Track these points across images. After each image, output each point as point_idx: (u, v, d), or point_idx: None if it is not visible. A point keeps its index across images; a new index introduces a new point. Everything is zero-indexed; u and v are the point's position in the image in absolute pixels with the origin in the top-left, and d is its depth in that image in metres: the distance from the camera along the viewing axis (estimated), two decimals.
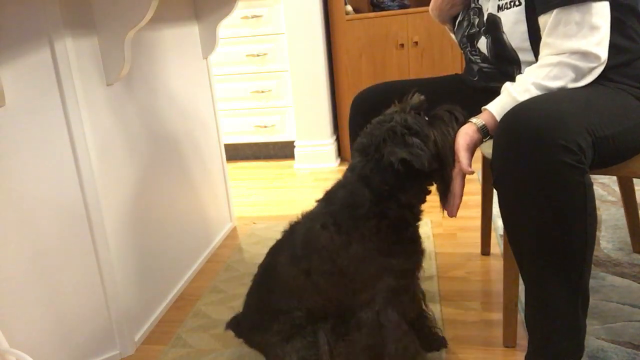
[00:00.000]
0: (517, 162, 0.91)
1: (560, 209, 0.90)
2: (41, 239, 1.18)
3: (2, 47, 1.08)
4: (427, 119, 1.03)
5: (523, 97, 0.99)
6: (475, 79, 1.29)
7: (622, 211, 1.80)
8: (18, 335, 1.15)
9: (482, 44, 1.21)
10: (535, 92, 1.00)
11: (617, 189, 1.99)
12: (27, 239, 1.16)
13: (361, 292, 1.05)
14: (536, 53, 1.10)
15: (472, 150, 1.04)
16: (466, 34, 1.28)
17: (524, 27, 1.10)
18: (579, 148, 0.88)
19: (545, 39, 1.02)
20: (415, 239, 1.08)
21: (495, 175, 0.98)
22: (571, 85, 1.00)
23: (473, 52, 1.26)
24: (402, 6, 2.83)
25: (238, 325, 1.26)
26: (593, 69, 0.99)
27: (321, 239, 1.05)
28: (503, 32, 1.15)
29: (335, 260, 1.04)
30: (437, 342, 1.22)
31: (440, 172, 1.03)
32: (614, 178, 1.97)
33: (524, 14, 1.09)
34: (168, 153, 1.61)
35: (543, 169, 0.88)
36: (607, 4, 0.98)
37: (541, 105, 0.92)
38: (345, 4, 2.77)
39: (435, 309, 1.40)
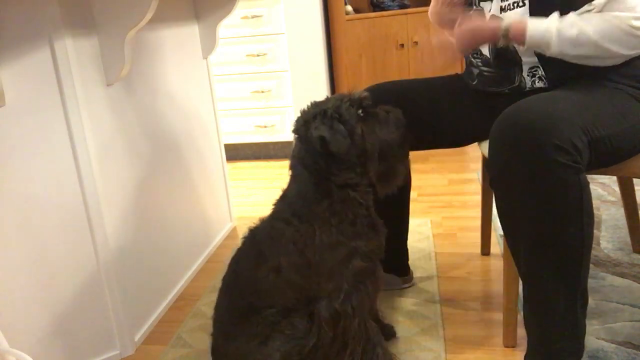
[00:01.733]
0: (512, 162, 0.91)
1: (556, 209, 0.90)
2: (41, 239, 1.18)
3: (2, 47, 1.08)
4: (361, 114, 1.04)
5: (565, 29, 0.99)
6: (474, 82, 1.29)
7: (622, 211, 1.80)
8: (18, 335, 1.15)
9: (484, 45, 1.21)
10: (574, 34, 0.98)
11: (617, 189, 1.99)
12: (27, 239, 1.16)
13: (328, 280, 1.05)
14: (538, 54, 1.10)
15: (477, 35, 1.06)
16: None
17: None
18: (574, 148, 0.88)
19: (602, 8, 0.99)
20: (374, 223, 1.10)
21: (491, 175, 0.98)
22: (610, 48, 0.99)
23: (475, 55, 1.26)
24: (402, 6, 2.83)
25: (214, 351, 1.19)
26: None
27: (286, 233, 1.05)
28: None
29: (303, 251, 1.04)
30: (388, 331, 1.27)
31: (364, 163, 1.04)
32: (614, 178, 1.97)
33: (528, 15, 1.09)
34: (168, 153, 1.61)
35: (538, 168, 0.88)
36: None
37: (536, 106, 0.93)
38: (345, 4, 2.77)
39: (435, 309, 1.40)
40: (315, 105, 1.07)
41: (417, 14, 2.68)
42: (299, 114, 1.08)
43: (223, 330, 1.15)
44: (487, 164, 0.98)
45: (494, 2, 1.17)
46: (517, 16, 1.08)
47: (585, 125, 0.92)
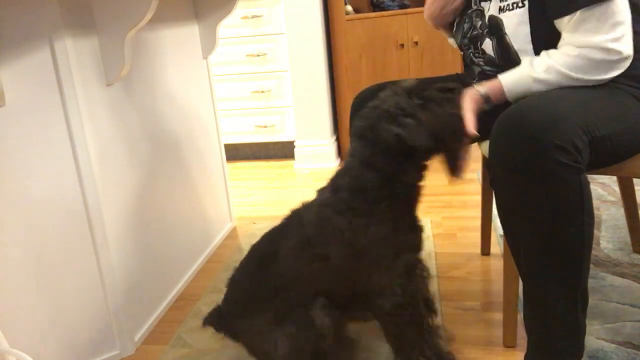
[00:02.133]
0: (513, 162, 0.91)
1: (556, 208, 0.90)
2: (41, 239, 1.18)
3: (2, 47, 1.08)
4: (419, 101, 1.05)
5: (538, 74, 1.02)
6: (475, 80, 1.29)
7: (622, 211, 1.80)
8: (18, 335, 1.15)
9: (488, 45, 1.21)
10: (552, 77, 1.01)
11: (617, 189, 1.99)
12: (27, 239, 1.16)
13: (380, 273, 1.06)
14: (537, 54, 1.10)
15: (475, 113, 1.06)
16: (468, 35, 1.27)
17: (527, 29, 1.10)
18: (575, 148, 0.88)
19: (567, 36, 1.02)
20: (416, 218, 1.12)
21: (491, 175, 0.98)
22: (590, 78, 1.00)
23: (476, 54, 1.26)
24: (402, 6, 2.83)
25: (219, 318, 1.20)
26: (615, 62, 0.99)
27: (337, 224, 1.05)
28: (505, 33, 1.14)
29: (353, 243, 1.04)
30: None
31: (438, 149, 1.06)
32: (614, 178, 1.97)
33: (527, 16, 1.09)
34: (168, 153, 1.61)
35: (538, 168, 0.88)
36: (626, 0, 0.98)
37: (537, 105, 0.93)
38: (345, 4, 2.77)
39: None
40: (374, 107, 1.06)
41: (417, 14, 2.68)
42: (359, 121, 1.07)
43: (240, 304, 1.15)
44: (488, 163, 0.98)
45: (492, 2, 1.17)
46: (489, 82, 1.09)
47: (586, 125, 0.92)
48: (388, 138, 1.00)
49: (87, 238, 1.25)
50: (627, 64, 1.00)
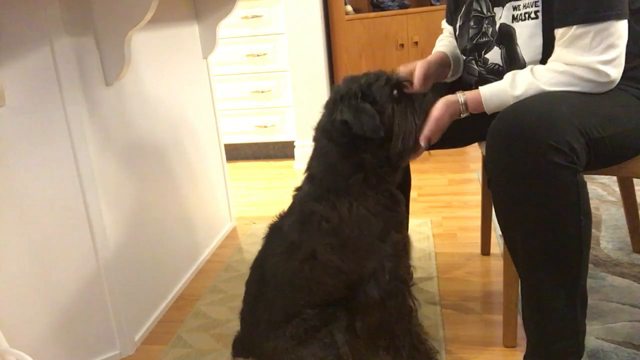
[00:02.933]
0: (509, 164, 0.91)
1: (552, 210, 0.90)
2: (41, 239, 1.18)
3: (2, 47, 1.08)
4: (395, 94, 1.04)
5: (517, 92, 1.01)
6: (472, 86, 1.27)
7: (622, 211, 1.80)
8: (18, 335, 1.15)
9: (495, 54, 1.17)
10: (530, 93, 1.00)
11: (617, 189, 1.99)
12: (27, 238, 1.16)
13: (369, 257, 1.05)
14: (543, 59, 1.08)
15: (441, 124, 1.06)
16: (475, 42, 1.23)
17: (539, 40, 1.07)
18: (571, 149, 0.88)
19: (558, 50, 1.01)
20: (395, 194, 1.10)
21: (489, 176, 0.98)
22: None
23: (479, 63, 1.22)
24: (402, 6, 2.83)
25: (242, 346, 1.19)
26: (600, 84, 0.98)
27: (320, 212, 1.04)
28: (517, 44, 1.11)
29: (338, 229, 1.03)
30: None
31: (391, 144, 1.04)
32: (614, 178, 1.97)
33: (541, 28, 1.06)
34: (168, 153, 1.61)
35: (534, 169, 0.88)
36: (626, 22, 0.96)
37: (533, 107, 0.93)
38: (345, 4, 2.77)
39: (435, 309, 1.40)
40: (349, 80, 1.06)
41: (417, 14, 2.68)
42: (330, 91, 1.08)
43: (257, 332, 1.13)
44: (485, 164, 0.99)
45: (504, 10, 1.14)
46: (471, 92, 1.07)
47: (584, 126, 0.92)
48: (336, 121, 1.01)
49: (87, 238, 1.25)
50: (612, 87, 0.99)
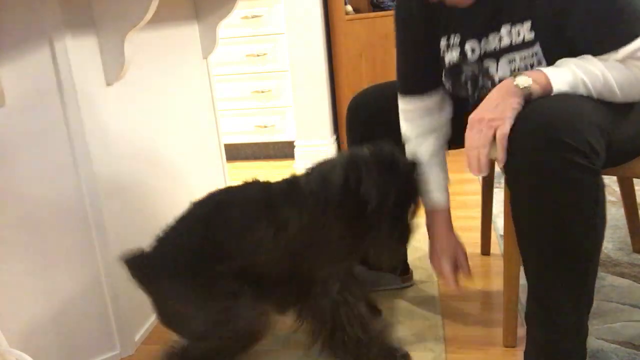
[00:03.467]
0: (530, 163, 0.90)
1: (570, 210, 0.89)
2: (41, 239, 1.18)
3: (2, 47, 1.08)
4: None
5: (591, 84, 0.94)
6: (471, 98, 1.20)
7: (622, 211, 1.80)
8: (18, 335, 1.15)
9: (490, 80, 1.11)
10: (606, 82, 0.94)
11: (617, 189, 1.99)
12: (27, 239, 1.16)
13: (325, 266, 1.11)
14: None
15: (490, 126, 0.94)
16: (476, 95, 1.14)
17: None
18: (592, 149, 0.87)
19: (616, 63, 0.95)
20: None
21: (508, 174, 0.96)
22: (625, 99, 0.96)
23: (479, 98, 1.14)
24: None
25: (142, 267, 1.12)
26: None
27: (306, 201, 1.09)
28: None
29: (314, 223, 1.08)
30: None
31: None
32: (614, 178, 1.97)
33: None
34: (168, 153, 1.61)
35: (554, 169, 0.87)
36: None
37: (554, 106, 0.91)
38: (345, 4, 2.77)
39: (435, 309, 1.40)
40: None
41: None
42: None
43: (170, 261, 1.10)
44: (505, 163, 0.95)
45: (500, 65, 1.07)
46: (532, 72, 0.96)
47: (605, 127, 0.91)
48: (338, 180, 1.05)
49: (87, 238, 1.25)
50: None
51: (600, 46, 0.95)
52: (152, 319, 1.48)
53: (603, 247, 1.62)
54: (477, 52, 1.10)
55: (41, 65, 1.13)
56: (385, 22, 2.72)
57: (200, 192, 1.86)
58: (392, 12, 2.77)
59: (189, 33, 1.79)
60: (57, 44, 1.14)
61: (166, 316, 1.14)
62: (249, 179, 1.19)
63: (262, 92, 2.89)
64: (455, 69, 1.15)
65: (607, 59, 0.95)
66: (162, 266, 1.10)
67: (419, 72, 1.21)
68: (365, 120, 1.35)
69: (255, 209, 1.11)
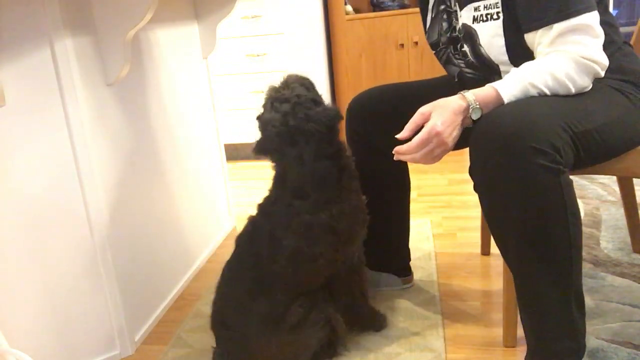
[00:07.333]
0: (492, 169, 0.91)
1: (539, 211, 0.90)
2: (41, 239, 1.18)
3: (2, 47, 1.08)
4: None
5: (540, 83, 0.96)
6: (455, 80, 1.27)
7: (622, 211, 1.80)
8: (18, 335, 1.15)
9: (467, 49, 1.19)
10: (553, 85, 0.97)
11: (617, 189, 1.99)
12: (27, 238, 1.16)
13: (350, 246, 1.22)
14: (516, 65, 1.06)
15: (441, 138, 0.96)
16: (449, 36, 1.23)
17: (501, 41, 1.08)
18: (553, 147, 0.87)
19: (547, 49, 0.99)
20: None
21: (474, 181, 0.98)
22: (576, 88, 0.98)
23: (457, 56, 1.23)
24: (402, 6, 2.84)
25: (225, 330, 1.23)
26: (598, 73, 0.99)
27: (304, 211, 1.19)
28: (480, 45, 1.13)
29: (332, 226, 1.15)
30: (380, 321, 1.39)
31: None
32: (614, 178, 1.97)
33: (502, 29, 1.07)
34: (168, 153, 1.61)
35: (517, 173, 0.88)
36: (597, 13, 0.98)
37: (511, 111, 0.92)
38: (345, 4, 2.77)
39: (435, 309, 1.40)
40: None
41: (417, 14, 2.67)
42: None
43: (250, 329, 1.19)
44: (469, 170, 0.98)
45: (465, 10, 1.14)
46: (475, 92, 0.98)
47: (565, 123, 0.91)
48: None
49: (87, 238, 1.25)
50: (602, 74, 1.01)
51: (536, 20, 0.99)
52: (152, 319, 1.48)
53: (603, 247, 1.62)
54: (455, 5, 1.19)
55: (41, 65, 1.13)
56: (385, 22, 2.72)
57: (200, 191, 1.87)
58: (392, 12, 2.78)
59: (188, 33, 1.79)
60: (57, 44, 1.14)
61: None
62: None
63: (262, 92, 2.89)
64: (439, 1, 1.25)
65: (545, 44, 0.99)
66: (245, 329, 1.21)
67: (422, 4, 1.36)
68: (365, 120, 1.35)
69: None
